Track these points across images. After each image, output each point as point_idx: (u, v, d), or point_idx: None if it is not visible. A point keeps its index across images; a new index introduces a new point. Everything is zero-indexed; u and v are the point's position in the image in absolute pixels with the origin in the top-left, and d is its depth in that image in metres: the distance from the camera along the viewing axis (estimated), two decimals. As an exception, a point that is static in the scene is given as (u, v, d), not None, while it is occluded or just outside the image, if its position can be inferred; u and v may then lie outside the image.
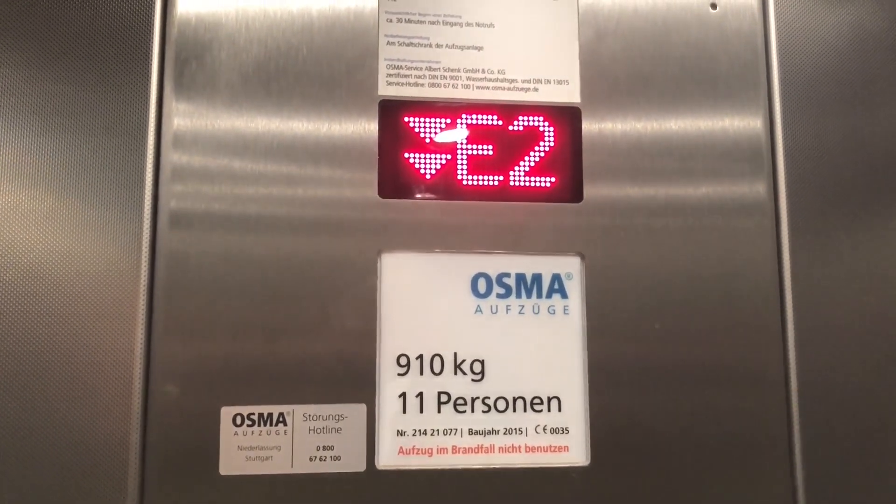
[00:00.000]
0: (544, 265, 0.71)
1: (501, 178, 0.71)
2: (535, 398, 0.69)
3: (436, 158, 0.71)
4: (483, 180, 0.71)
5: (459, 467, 0.67)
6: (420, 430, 0.67)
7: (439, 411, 0.68)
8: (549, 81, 0.73)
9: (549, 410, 0.69)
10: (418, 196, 0.70)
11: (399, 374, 0.68)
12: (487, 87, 0.72)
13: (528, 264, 0.71)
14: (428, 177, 0.70)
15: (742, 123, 0.75)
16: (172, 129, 0.68)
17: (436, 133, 0.71)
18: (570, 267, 0.71)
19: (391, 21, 0.72)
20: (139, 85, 0.69)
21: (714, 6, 0.77)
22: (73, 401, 0.64)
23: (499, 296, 0.70)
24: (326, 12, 0.71)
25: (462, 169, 0.71)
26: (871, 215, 0.76)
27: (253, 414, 0.65)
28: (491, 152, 0.71)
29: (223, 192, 0.67)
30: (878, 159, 0.77)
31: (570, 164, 0.72)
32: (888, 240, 0.76)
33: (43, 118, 0.67)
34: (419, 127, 0.71)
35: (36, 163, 0.67)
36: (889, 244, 0.76)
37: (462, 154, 0.71)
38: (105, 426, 0.63)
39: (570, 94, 0.73)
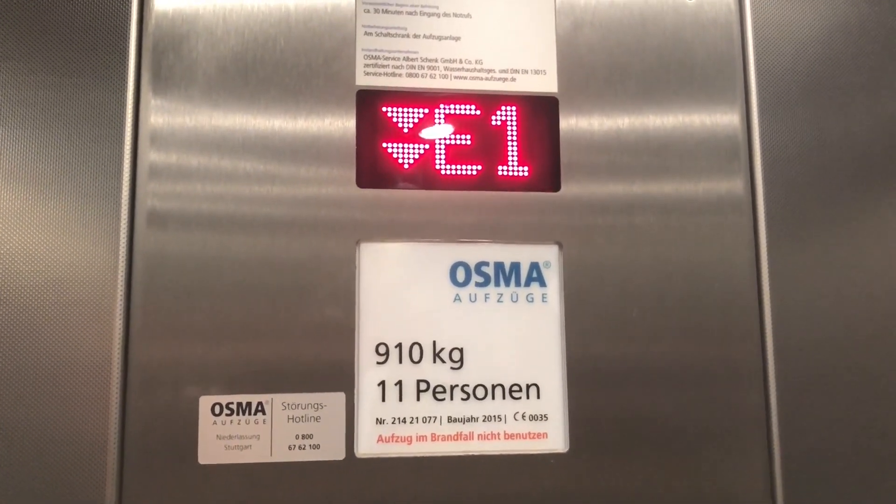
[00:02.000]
0: (522, 254, 0.71)
1: (479, 167, 0.71)
2: (513, 385, 0.70)
3: (414, 148, 0.71)
4: (461, 170, 0.71)
5: (439, 455, 0.67)
6: (399, 419, 0.68)
7: (418, 399, 0.68)
8: (526, 71, 0.74)
9: (527, 398, 0.70)
10: (397, 186, 0.70)
11: (378, 363, 0.68)
12: (465, 77, 0.73)
13: (506, 253, 0.71)
14: (406, 166, 0.71)
15: (719, 116, 0.75)
16: (150, 125, 0.68)
17: (414, 123, 0.71)
18: (548, 255, 0.72)
19: (368, 11, 0.72)
20: (116, 78, 0.68)
21: (690, -4, 0.77)
22: (50, 394, 0.64)
23: (477, 284, 0.71)
24: (304, 3, 0.71)
25: (440, 158, 0.71)
26: (849, 211, 0.76)
27: (231, 403, 0.65)
28: (469, 142, 0.72)
29: (201, 190, 0.67)
30: (855, 154, 0.77)
31: (547, 153, 0.73)
32: (866, 235, 0.76)
33: (19, 112, 0.67)
34: (397, 117, 0.71)
35: (11, 158, 0.66)
36: (867, 239, 0.76)
37: (440, 144, 0.71)
38: (83, 417, 0.63)
39: (547, 83, 0.74)
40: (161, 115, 0.68)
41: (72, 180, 0.67)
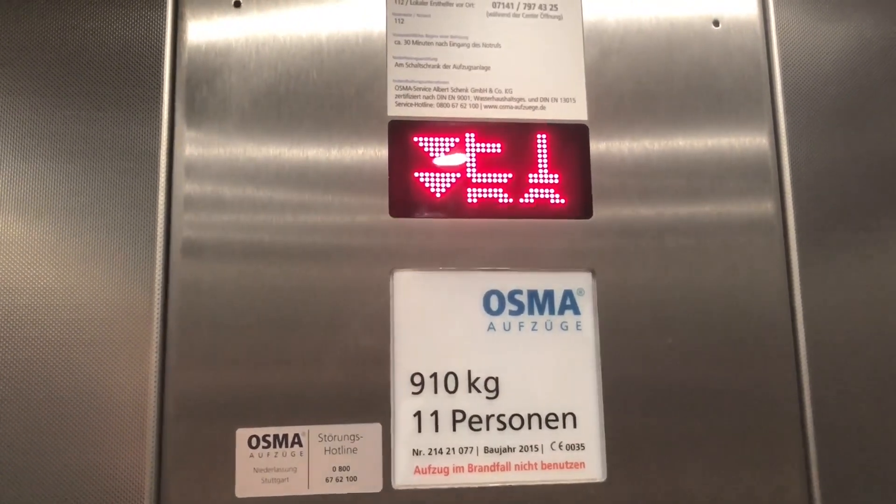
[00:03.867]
0: (556, 281, 0.71)
1: (511, 195, 0.71)
2: (550, 415, 0.69)
3: (445, 177, 0.71)
4: (493, 197, 0.71)
5: (476, 486, 0.67)
6: (436, 449, 0.67)
7: (454, 430, 0.68)
8: (555, 100, 0.74)
9: (564, 427, 0.69)
10: (429, 215, 0.70)
11: (413, 393, 0.68)
12: (495, 107, 0.73)
13: (539, 281, 0.71)
14: (438, 195, 0.71)
15: (748, 139, 0.76)
16: (184, 156, 0.68)
17: (445, 152, 0.72)
18: (581, 283, 0.71)
19: (399, 43, 0.73)
20: (151, 111, 0.69)
21: (717, 23, 0.78)
22: (86, 427, 0.63)
23: (511, 313, 0.70)
24: (336, 35, 0.72)
25: (472, 187, 0.71)
26: (881, 230, 0.76)
27: (268, 435, 0.64)
28: (499, 170, 0.72)
29: (236, 220, 0.68)
30: (883, 172, 0.77)
31: (578, 180, 0.73)
32: None
33: (55, 147, 0.68)
34: (428, 146, 0.71)
35: (47, 191, 0.67)
36: None
37: (471, 172, 0.71)
38: (119, 450, 0.63)
39: (577, 111, 0.74)
40: (195, 146, 0.69)
41: (106, 213, 0.67)
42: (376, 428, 0.66)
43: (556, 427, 0.69)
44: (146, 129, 0.69)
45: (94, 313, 0.65)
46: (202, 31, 0.71)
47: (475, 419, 0.68)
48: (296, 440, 0.65)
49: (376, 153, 0.71)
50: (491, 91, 0.74)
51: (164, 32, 0.71)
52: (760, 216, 0.74)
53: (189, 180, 0.68)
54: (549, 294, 0.71)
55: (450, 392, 0.68)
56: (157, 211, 0.67)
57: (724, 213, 0.74)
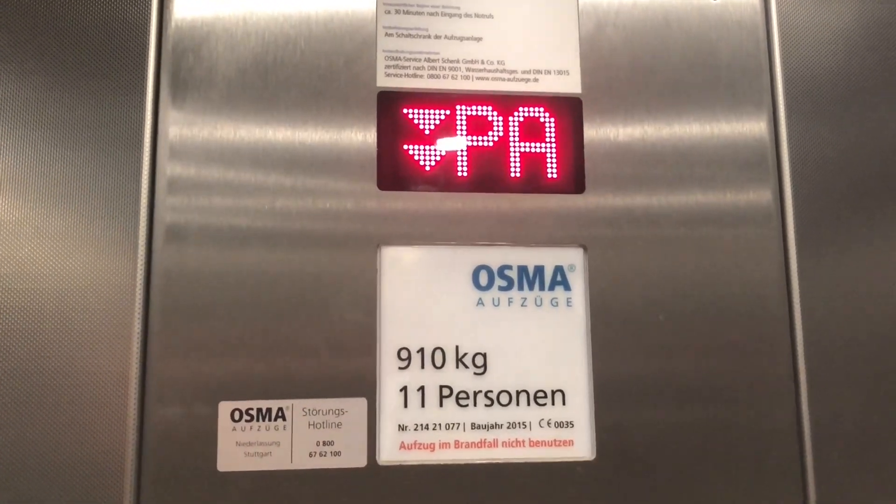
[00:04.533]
0: (546, 257, 0.70)
1: (502, 169, 0.70)
2: (538, 392, 0.68)
3: (435, 150, 0.70)
4: (483, 171, 0.70)
5: (462, 462, 0.66)
6: (422, 425, 0.66)
7: (441, 405, 0.67)
8: (549, 72, 0.73)
9: (553, 404, 0.68)
10: (418, 188, 0.69)
11: (400, 368, 0.67)
12: (487, 78, 0.72)
13: (530, 256, 0.70)
14: (427, 168, 0.70)
15: (746, 122, 0.74)
16: (169, 119, 0.67)
17: (435, 125, 0.70)
18: (572, 259, 0.70)
19: (389, 12, 0.72)
20: (135, 81, 0.68)
21: (715, -4, 0.76)
22: (67, 404, 0.62)
23: (501, 288, 0.69)
24: (325, 4, 0.71)
25: (462, 160, 0.70)
26: (884, 219, 0.74)
27: (251, 409, 0.64)
28: (491, 143, 0.71)
29: (222, 191, 0.67)
30: (888, 160, 0.75)
31: (571, 155, 0.71)
32: None
33: (35, 125, 0.66)
34: (418, 118, 0.70)
35: (28, 172, 0.66)
36: None
37: (462, 145, 0.70)
38: (100, 426, 0.62)
39: (570, 84, 0.73)
40: (180, 112, 0.67)
41: (88, 195, 0.65)
42: (361, 403, 0.65)
43: (545, 404, 0.68)
44: (131, 101, 0.67)
45: (75, 293, 0.64)
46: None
47: (462, 395, 0.67)
48: (279, 414, 0.64)
49: (365, 125, 0.69)
50: (483, 63, 0.72)
51: (151, 2, 0.69)
52: (757, 201, 0.72)
53: (173, 160, 0.67)
54: (539, 270, 0.70)
55: (437, 367, 0.67)
56: (141, 193, 0.66)
57: (720, 200, 0.72)
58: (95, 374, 0.63)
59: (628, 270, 0.70)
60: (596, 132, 0.72)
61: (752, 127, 0.74)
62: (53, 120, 0.66)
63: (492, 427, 0.67)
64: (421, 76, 0.71)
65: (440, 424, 0.66)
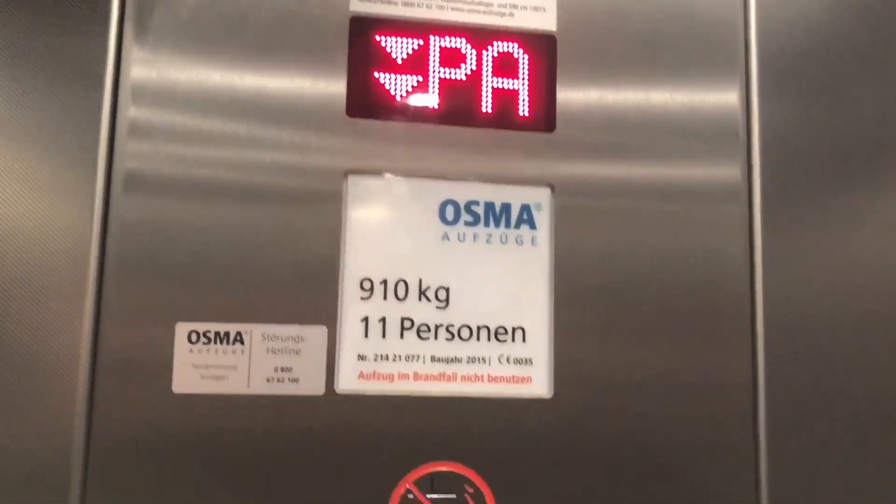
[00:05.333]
0: (514, 194, 0.70)
1: (473, 103, 0.69)
2: (499, 328, 0.68)
3: (407, 79, 0.68)
4: (454, 104, 0.69)
5: (421, 394, 0.66)
6: (381, 356, 0.66)
7: (402, 337, 0.66)
8: (524, 7, 0.71)
9: (513, 341, 0.68)
10: (388, 117, 0.68)
11: (362, 298, 0.66)
12: (462, 10, 0.70)
13: (497, 193, 0.69)
14: (398, 98, 0.68)
15: (718, 89, 0.73)
16: (131, 74, 0.64)
17: (408, 54, 0.69)
18: (539, 197, 0.70)
19: (365, -66, 0.69)
20: (98, 15, 0.64)
21: (695, -60, 0.75)
22: (21, 315, 0.61)
23: (466, 223, 0.69)
24: (297, -79, 0.68)
25: (433, 92, 0.69)
26: (852, 202, 0.74)
27: (209, 331, 0.62)
28: (464, 77, 0.69)
29: (185, 112, 0.64)
30: (860, 141, 0.75)
31: (543, 93, 0.71)
32: (871, 224, 0.74)
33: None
34: (391, 46, 0.69)
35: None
36: (867, 230, 0.74)
37: (434, 76, 0.69)
38: (53, 338, 0.61)
39: (546, 21, 0.72)
40: (145, 65, 0.65)
41: (44, 136, 0.62)
42: (322, 331, 0.64)
43: (505, 341, 0.68)
44: (92, 32, 0.64)
45: (29, 243, 0.62)
46: None
47: (423, 328, 0.67)
48: (238, 338, 0.63)
49: (336, 50, 0.67)
50: (459, -7, 0.71)
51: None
52: (725, 171, 0.73)
53: (135, 104, 0.64)
54: (506, 207, 0.69)
55: (399, 299, 0.67)
56: (100, 137, 0.63)
57: (691, 150, 0.72)
58: (50, 291, 0.61)
59: (595, 211, 0.70)
60: (569, 71, 0.71)
61: (725, 98, 0.73)
62: (9, 56, 0.63)
63: (451, 361, 0.67)
64: (395, 3, 0.69)
65: (400, 356, 0.66)
